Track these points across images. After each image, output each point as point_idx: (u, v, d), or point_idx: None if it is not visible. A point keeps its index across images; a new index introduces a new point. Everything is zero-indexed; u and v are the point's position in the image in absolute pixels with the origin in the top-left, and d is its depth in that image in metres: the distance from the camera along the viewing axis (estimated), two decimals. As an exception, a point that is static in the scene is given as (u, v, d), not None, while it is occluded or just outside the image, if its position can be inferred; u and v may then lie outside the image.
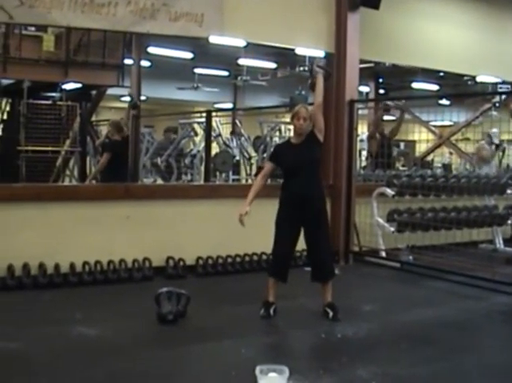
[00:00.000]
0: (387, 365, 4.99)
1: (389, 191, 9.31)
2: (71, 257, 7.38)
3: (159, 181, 14.92)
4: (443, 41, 11.01)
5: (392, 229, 9.33)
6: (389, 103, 12.83)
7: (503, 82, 12.60)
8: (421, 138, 14.09)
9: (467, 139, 18.30)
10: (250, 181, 15.35)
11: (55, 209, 7.45)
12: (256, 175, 14.02)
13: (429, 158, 18.61)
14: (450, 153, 20.00)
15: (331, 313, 6.23)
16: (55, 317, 6.08)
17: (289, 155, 6.27)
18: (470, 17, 11.58)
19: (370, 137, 11.59)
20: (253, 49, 15.40)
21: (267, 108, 17.96)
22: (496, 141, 13.35)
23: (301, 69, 16.14)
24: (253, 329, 5.97)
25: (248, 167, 16.29)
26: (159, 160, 14.99)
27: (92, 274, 7.43)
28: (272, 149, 7.61)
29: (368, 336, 5.86)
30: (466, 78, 16.44)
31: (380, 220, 9.41)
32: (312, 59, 7.49)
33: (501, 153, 18.59)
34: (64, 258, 7.33)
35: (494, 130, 13.15)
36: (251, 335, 5.78)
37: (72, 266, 7.36)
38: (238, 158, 15.72)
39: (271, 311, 6.25)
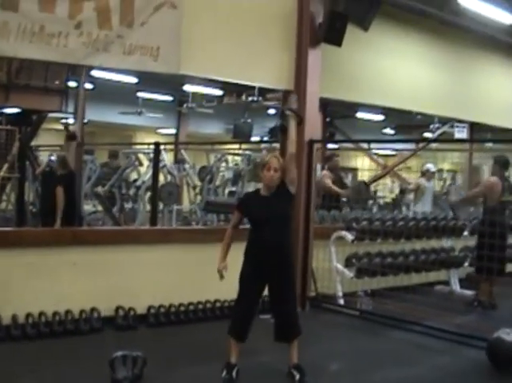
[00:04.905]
0: None
1: (349, 236, 9.01)
2: (13, 308, 6.81)
3: (99, 208, 14.41)
4: (404, 79, 10.92)
5: (351, 275, 9.05)
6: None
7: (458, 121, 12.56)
8: (362, 166, 14.07)
9: (409, 168, 18.40)
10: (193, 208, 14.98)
11: (-4, 255, 6.91)
12: (204, 209, 13.70)
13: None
14: (393, 182, 20.03)
15: (297, 376, 5.84)
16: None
17: (257, 206, 5.86)
18: (432, 55, 11.53)
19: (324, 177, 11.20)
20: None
21: (215, 144, 17.52)
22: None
23: (250, 99, 15.82)
24: (215, 394, 5.54)
25: (192, 196, 15.82)
26: (100, 189, 14.41)
27: (36, 326, 6.87)
28: (240, 197, 7.16)
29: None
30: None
31: (340, 266, 9.09)
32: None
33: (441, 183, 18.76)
34: (6, 310, 6.75)
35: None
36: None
37: (14, 317, 6.80)
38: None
39: (234, 374, 5.80)
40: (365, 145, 13.50)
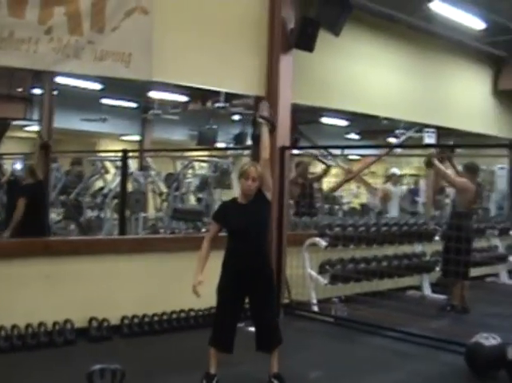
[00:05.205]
0: None
1: (322, 243, 8.97)
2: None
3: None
4: (375, 84, 10.93)
5: (325, 281, 9.01)
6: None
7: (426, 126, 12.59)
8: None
9: (373, 173, 18.44)
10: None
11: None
12: (172, 217, 13.52)
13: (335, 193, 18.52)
14: (358, 187, 20.04)
15: (278, 386, 5.76)
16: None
17: (235, 215, 5.74)
18: (402, 60, 11.60)
19: (293, 183, 11.12)
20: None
21: (183, 151, 17.38)
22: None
23: (216, 105, 15.71)
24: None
25: (158, 203, 15.63)
26: (64, 197, 14.18)
27: (8, 339, 6.69)
28: (217, 207, 7.04)
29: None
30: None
31: (314, 273, 9.05)
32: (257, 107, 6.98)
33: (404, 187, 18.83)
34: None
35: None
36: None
37: (-14, 331, 6.62)
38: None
39: (213, 384, 5.72)
40: (337, 151, 13.55)
